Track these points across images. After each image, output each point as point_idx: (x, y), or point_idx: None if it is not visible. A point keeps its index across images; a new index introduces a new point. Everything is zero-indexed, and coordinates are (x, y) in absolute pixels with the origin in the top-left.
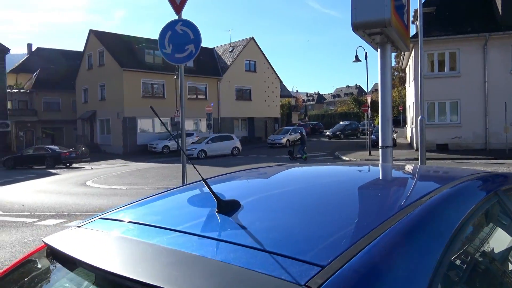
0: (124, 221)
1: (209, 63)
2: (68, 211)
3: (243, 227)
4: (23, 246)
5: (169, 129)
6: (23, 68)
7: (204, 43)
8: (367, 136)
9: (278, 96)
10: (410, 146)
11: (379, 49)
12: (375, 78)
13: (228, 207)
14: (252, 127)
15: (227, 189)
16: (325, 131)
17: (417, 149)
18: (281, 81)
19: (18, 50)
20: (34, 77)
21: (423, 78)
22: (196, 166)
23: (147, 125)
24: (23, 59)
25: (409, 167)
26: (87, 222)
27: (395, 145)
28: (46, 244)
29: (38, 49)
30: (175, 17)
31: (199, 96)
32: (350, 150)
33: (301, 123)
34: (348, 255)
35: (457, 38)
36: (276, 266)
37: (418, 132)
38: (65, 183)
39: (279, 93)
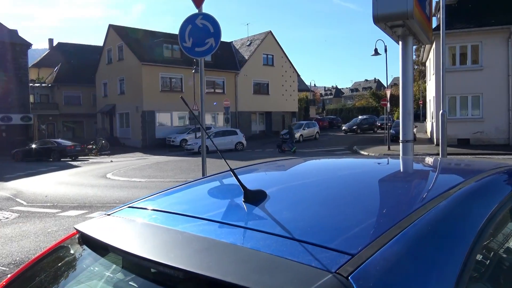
0: (152, 209)
1: (227, 57)
2: (89, 202)
3: (271, 216)
4: (47, 236)
5: (187, 122)
6: (44, 62)
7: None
8: (386, 131)
9: (296, 90)
10: (430, 141)
11: (400, 42)
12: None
13: (254, 197)
14: (269, 121)
15: (252, 180)
16: (342, 125)
17: (437, 144)
18: (298, 75)
19: (40, 45)
20: (55, 71)
21: (445, 72)
22: (192, 159)
23: (165, 119)
24: (45, 53)
25: (433, 160)
26: (116, 210)
27: (415, 139)
28: (78, 230)
29: (59, 44)
30: (194, 11)
31: (216, 90)
32: (369, 145)
33: (319, 117)
34: (378, 244)
35: (480, 30)
36: (305, 254)
37: (438, 127)
38: (86, 176)
39: (297, 87)
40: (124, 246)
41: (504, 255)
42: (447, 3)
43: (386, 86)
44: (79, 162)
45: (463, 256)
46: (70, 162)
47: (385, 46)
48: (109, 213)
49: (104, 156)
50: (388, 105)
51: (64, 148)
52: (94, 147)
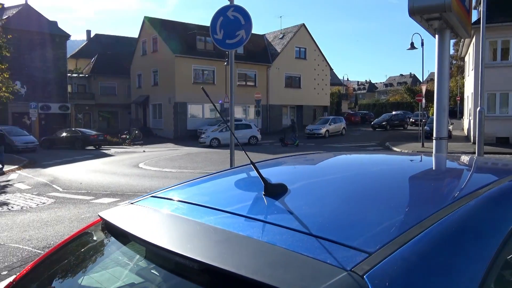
0: (174, 200)
1: (259, 50)
2: (122, 191)
3: (290, 211)
4: (80, 222)
5: (218, 115)
6: (82, 53)
7: (255, 30)
8: (420, 127)
9: (328, 84)
10: (466, 138)
11: (437, 36)
12: (431, 66)
13: (275, 191)
14: (300, 115)
15: (274, 174)
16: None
17: (474, 142)
18: (331, 69)
19: (78, 37)
20: (92, 62)
21: (484, 67)
22: (222, 151)
23: (197, 111)
24: (82, 45)
25: (465, 158)
26: (139, 199)
27: (450, 137)
28: (101, 218)
29: (96, 35)
30: (227, 3)
31: (248, 83)
32: (401, 141)
33: (351, 112)
34: (397, 243)
35: None
36: (321, 250)
37: (476, 124)
38: (119, 164)
39: (329, 81)
40: (143, 235)
41: None
42: None
43: (422, 81)
44: (113, 151)
45: (488, 261)
46: (104, 151)
47: (422, 40)
48: (132, 202)
49: (137, 146)
50: (423, 101)
51: (88, 137)
52: (127, 137)
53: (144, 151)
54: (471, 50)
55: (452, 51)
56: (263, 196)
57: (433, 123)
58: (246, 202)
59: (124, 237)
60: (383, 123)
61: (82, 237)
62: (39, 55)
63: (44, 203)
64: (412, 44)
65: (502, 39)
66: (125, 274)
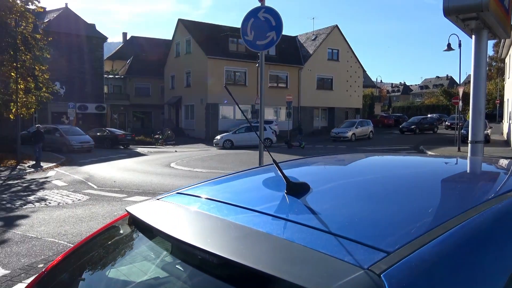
0: (198, 197)
1: (291, 52)
2: (153, 189)
3: (310, 209)
4: (112, 218)
5: (249, 116)
6: (118, 55)
7: (287, 32)
8: (456, 131)
9: (361, 86)
10: (506, 143)
11: (473, 36)
12: (469, 68)
13: (297, 189)
14: (332, 117)
15: (298, 173)
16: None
17: None
18: (364, 71)
19: (114, 39)
20: (127, 63)
21: None
22: (252, 152)
23: (228, 112)
24: (119, 47)
25: (497, 161)
26: (165, 195)
27: (488, 141)
28: (128, 212)
29: (132, 37)
30: (259, 4)
31: (279, 85)
32: (436, 145)
33: (384, 114)
34: (417, 243)
35: None
36: (339, 248)
37: None
38: (151, 164)
39: (362, 83)
40: (166, 229)
41: None
42: None
43: (459, 83)
44: (145, 151)
45: None
46: (137, 151)
47: (459, 41)
48: (158, 198)
49: (169, 146)
50: (460, 103)
51: (116, 137)
52: (160, 137)
53: (176, 151)
54: None
55: (491, 52)
56: (285, 195)
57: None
58: (267, 200)
59: (149, 231)
60: (412, 127)
61: (110, 230)
62: (77, 57)
63: (79, 199)
64: (449, 45)
65: None
66: (150, 268)
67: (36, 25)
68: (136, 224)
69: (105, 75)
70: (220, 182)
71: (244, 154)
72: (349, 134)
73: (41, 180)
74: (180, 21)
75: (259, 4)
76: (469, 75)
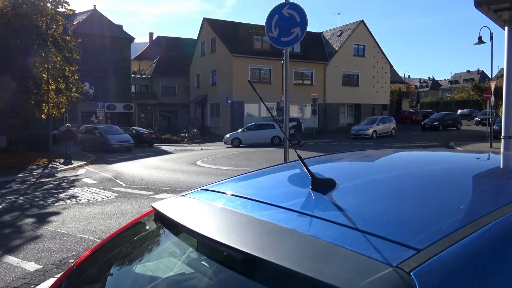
0: (223, 193)
1: (316, 48)
2: (180, 187)
3: (336, 205)
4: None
5: (274, 114)
6: (145, 55)
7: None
8: (488, 127)
9: (388, 82)
10: None
11: (506, 28)
12: (502, 61)
13: (322, 185)
14: (358, 114)
15: (324, 169)
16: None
17: None
18: (391, 66)
19: (141, 39)
20: (154, 63)
21: None
22: (278, 150)
23: (253, 110)
24: (145, 47)
25: None
26: (190, 191)
27: None
28: (154, 208)
29: (158, 37)
30: (283, 1)
31: (305, 82)
32: (466, 141)
33: (412, 110)
34: (449, 241)
35: None
36: (367, 245)
37: None
38: (178, 162)
39: (389, 78)
40: (191, 225)
41: None
42: None
43: (491, 77)
44: (172, 149)
45: None
46: (164, 149)
47: (491, 33)
48: (183, 194)
49: (195, 144)
50: (492, 98)
51: (141, 135)
52: (186, 135)
53: (201, 149)
54: None
55: None
56: (310, 191)
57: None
58: (292, 196)
59: (174, 227)
60: (435, 123)
61: (136, 226)
62: (105, 57)
63: (108, 197)
64: (480, 38)
65: None
66: (175, 264)
67: (66, 27)
68: (162, 220)
69: (132, 75)
70: (245, 179)
71: (270, 152)
72: (370, 131)
73: (71, 178)
74: (205, 20)
75: (283, 1)
76: (502, 69)
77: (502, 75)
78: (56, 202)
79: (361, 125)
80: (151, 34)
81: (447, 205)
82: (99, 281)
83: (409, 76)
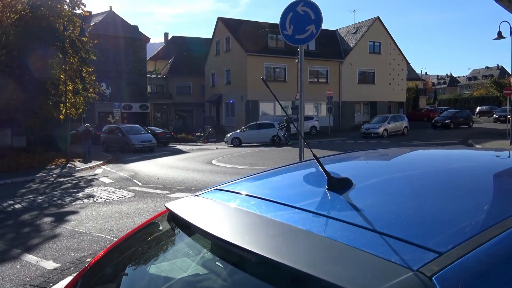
0: (237, 193)
1: (331, 46)
2: (195, 186)
3: (353, 206)
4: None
5: (289, 112)
6: (160, 55)
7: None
8: (509, 124)
9: (404, 79)
10: None
11: None
12: None
13: (339, 185)
14: (374, 112)
15: (340, 168)
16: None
17: None
18: (408, 63)
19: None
20: (169, 63)
21: None
22: (293, 149)
23: (268, 108)
24: (161, 47)
25: None
26: (204, 191)
27: None
28: (168, 209)
29: (173, 37)
30: None
31: (320, 80)
32: (485, 139)
33: (429, 108)
34: (472, 243)
35: None
36: (385, 248)
37: None
38: (193, 161)
39: (405, 75)
40: (204, 225)
41: None
42: None
43: (510, 73)
44: (188, 148)
45: None
46: (179, 148)
47: (511, 28)
48: (197, 194)
49: (211, 143)
50: None
51: (156, 135)
52: (201, 134)
53: (217, 148)
54: None
55: None
56: (326, 191)
57: None
58: (308, 196)
59: (188, 227)
60: (447, 121)
61: (150, 227)
62: (121, 58)
63: (125, 196)
64: (499, 33)
65: None
66: (189, 265)
67: (83, 29)
68: (175, 220)
69: (148, 75)
70: (259, 178)
71: (286, 151)
72: (381, 130)
73: (89, 178)
74: (220, 19)
75: None
76: None
77: None
78: (74, 201)
79: (372, 124)
80: (166, 34)
81: (469, 206)
82: (114, 281)
83: (426, 73)
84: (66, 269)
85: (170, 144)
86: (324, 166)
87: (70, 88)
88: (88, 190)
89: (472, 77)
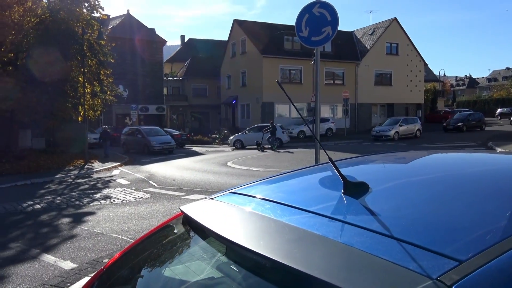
0: (251, 196)
1: (347, 47)
2: (211, 188)
3: (370, 211)
4: (172, 216)
5: (305, 114)
6: (177, 57)
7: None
8: None
9: (422, 80)
10: None
11: None
12: None
13: (355, 189)
14: (391, 114)
15: (356, 172)
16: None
17: None
18: (426, 64)
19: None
20: (185, 65)
21: None
22: (309, 151)
23: (284, 110)
24: (177, 49)
25: None
26: (218, 194)
27: None
28: (182, 212)
29: (189, 40)
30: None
31: (336, 81)
32: (507, 141)
33: (448, 109)
34: (495, 251)
35: None
36: (403, 255)
37: None
38: (209, 163)
39: (423, 77)
40: (218, 229)
41: None
42: None
43: None
44: (203, 150)
45: None
46: (195, 150)
47: None
48: (212, 197)
49: (226, 145)
50: None
51: (172, 137)
52: (217, 136)
53: (232, 150)
54: None
55: None
56: (342, 195)
57: None
58: (323, 200)
59: (202, 231)
60: (459, 124)
61: (164, 230)
62: (139, 61)
63: (141, 197)
64: None
65: None
66: (203, 268)
67: (101, 32)
68: (190, 223)
69: (164, 77)
70: (274, 182)
71: (301, 153)
72: (392, 132)
73: (106, 179)
74: (236, 21)
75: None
76: None
77: None
78: (91, 202)
79: (383, 126)
80: (182, 37)
81: (491, 212)
82: (130, 283)
83: (444, 74)
84: (83, 269)
85: (186, 146)
86: (340, 170)
87: (88, 90)
88: (105, 191)
89: (492, 78)
